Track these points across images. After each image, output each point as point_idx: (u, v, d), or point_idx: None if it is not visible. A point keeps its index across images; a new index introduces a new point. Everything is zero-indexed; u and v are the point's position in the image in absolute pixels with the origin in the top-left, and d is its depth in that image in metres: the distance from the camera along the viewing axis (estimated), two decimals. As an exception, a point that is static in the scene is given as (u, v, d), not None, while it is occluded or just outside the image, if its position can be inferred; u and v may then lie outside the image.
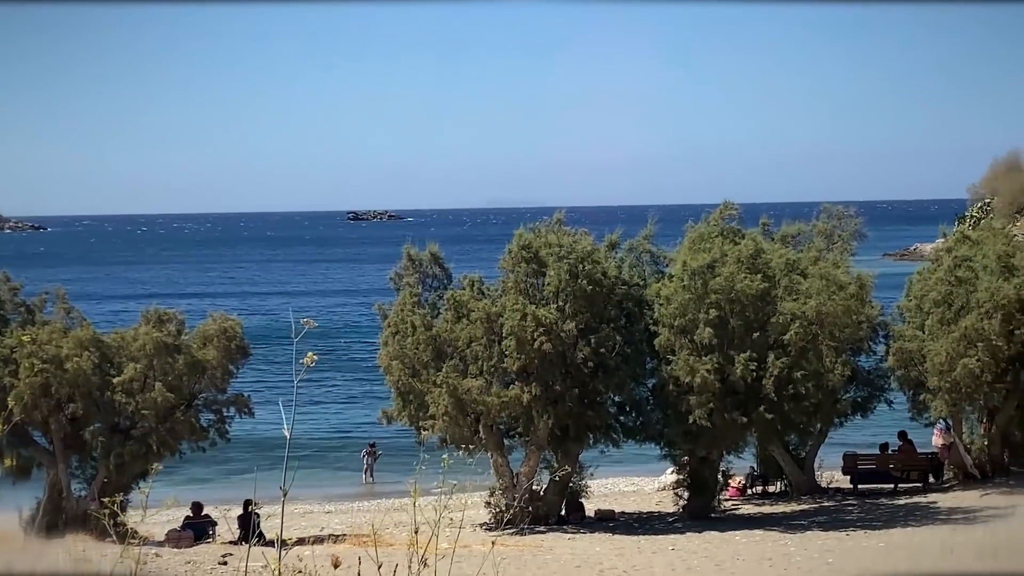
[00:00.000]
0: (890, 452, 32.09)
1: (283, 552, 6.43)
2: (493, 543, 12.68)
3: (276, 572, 6.86)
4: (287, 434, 6.57)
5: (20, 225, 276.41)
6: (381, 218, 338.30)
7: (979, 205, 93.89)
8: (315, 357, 6.34)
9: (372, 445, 38.60)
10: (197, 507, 26.99)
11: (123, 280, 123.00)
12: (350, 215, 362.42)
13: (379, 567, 7.54)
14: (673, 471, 29.97)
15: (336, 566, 10.42)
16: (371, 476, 38.47)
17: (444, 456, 11.13)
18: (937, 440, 31.39)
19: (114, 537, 5.91)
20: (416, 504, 7.72)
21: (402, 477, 27.92)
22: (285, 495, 6.52)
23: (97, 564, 14.96)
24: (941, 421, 30.72)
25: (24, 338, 25.85)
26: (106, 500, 7.74)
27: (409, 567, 6.83)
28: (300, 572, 12.67)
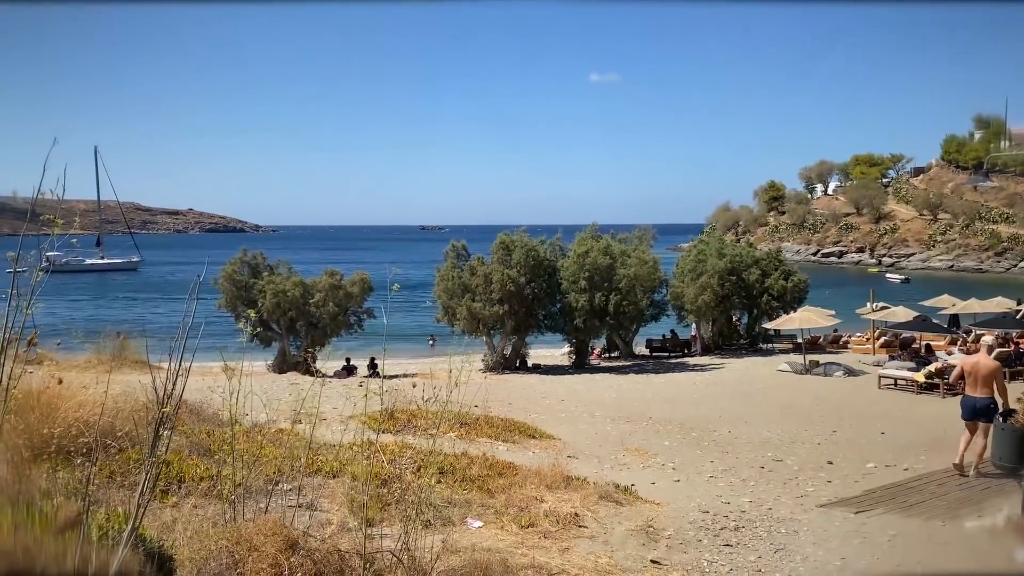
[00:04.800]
0: (666, 338, 32.12)
1: (383, 380, 6.09)
2: (485, 377, 12.51)
3: (384, 390, 6.59)
4: (385, 322, 6.24)
5: (264, 229, 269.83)
6: (438, 229, 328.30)
7: (711, 227, 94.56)
8: (398, 286, 5.73)
9: (432, 336, 37.84)
10: (348, 360, 26.56)
11: (311, 257, 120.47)
12: (420, 227, 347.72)
13: (434, 388, 7.33)
14: (568, 346, 29.86)
15: (414, 386, 10.26)
16: (432, 349, 37.71)
17: (465, 339, 10.98)
18: (693, 332, 31.37)
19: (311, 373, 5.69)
20: (451, 359, 7.50)
21: (447, 347, 27.48)
22: (384, 351, 6.20)
23: (302, 384, 14.82)
24: (693, 325, 30.69)
25: (263, 283, 25.30)
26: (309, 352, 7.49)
27: (447, 388, 6.58)
28: (396, 389, 12.53)
